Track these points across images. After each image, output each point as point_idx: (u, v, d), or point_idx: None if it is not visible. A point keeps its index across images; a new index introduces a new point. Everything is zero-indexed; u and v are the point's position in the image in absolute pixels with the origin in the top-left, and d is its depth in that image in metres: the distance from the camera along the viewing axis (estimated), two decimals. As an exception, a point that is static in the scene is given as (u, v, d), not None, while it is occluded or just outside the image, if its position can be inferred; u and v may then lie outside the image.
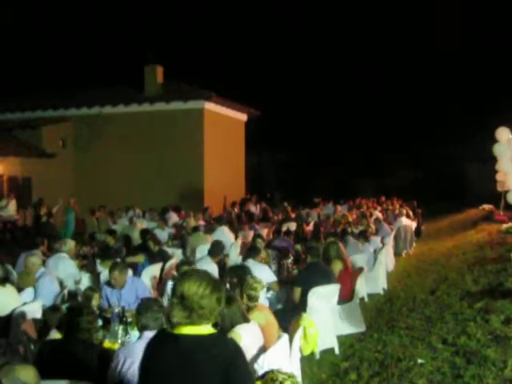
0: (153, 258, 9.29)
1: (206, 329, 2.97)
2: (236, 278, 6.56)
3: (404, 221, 16.07)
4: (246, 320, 4.95)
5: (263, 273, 6.85)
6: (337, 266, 8.09)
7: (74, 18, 50.96)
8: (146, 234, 11.19)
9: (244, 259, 8.12)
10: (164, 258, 9.43)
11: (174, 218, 16.38)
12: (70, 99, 24.43)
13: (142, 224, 15.35)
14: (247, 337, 4.77)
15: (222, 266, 8.25)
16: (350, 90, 42.50)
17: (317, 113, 41.98)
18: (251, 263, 7.62)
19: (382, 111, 40.64)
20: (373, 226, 14.68)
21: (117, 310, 5.57)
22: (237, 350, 3.04)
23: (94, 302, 5.63)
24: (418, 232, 18.37)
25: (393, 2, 49.85)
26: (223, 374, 2.86)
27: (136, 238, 12.13)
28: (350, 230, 12.62)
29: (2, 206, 14.75)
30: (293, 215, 18.46)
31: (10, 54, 42.97)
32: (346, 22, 49.48)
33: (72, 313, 4.60)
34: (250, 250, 8.16)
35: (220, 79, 37.21)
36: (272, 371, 3.85)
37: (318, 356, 6.69)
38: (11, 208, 18.06)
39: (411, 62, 44.85)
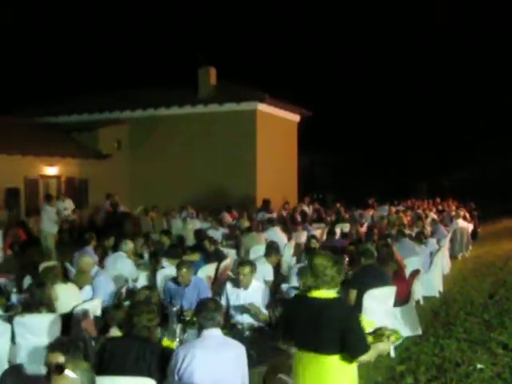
0: (208, 258, 9.38)
1: (330, 293, 3.92)
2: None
3: (460, 223, 15.75)
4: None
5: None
6: (391, 268, 8.00)
7: (129, 20, 51.91)
8: (200, 234, 11.32)
9: (302, 261, 8.11)
10: (219, 257, 9.52)
11: (227, 218, 16.49)
12: (126, 101, 24.89)
13: (195, 224, 15.54)
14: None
15: (276, 266, 8.25)
16: (404, 89, 41.93)
17: (370, 113, 41.59)
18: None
19: (437, 111, 39.92)
20: (428, 228, 14.44)
21: (175, 309, 5.65)
22: (353, 314, 4.02)
23: (154, 300, 5.71)
24: (474, 234, 17.98)
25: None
26: (340, 331, 3.77)
27: (190, 238, 12.28)
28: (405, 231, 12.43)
29: (63, 209, 15.14)
30: (346, 216, 18.34)
31: (67, 58, 44.16)
32: (402, 22, 48.85)
33: (132, 310, 4.68)
34: (307, 252, 8.14)
35: (273, 80, 37.28)
36: (380, 328, 4.24)
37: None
38: (69, 208, 18.53)
39: (465, 58, 43.90)
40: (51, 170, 20.97)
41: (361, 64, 48.43)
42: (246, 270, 6.37)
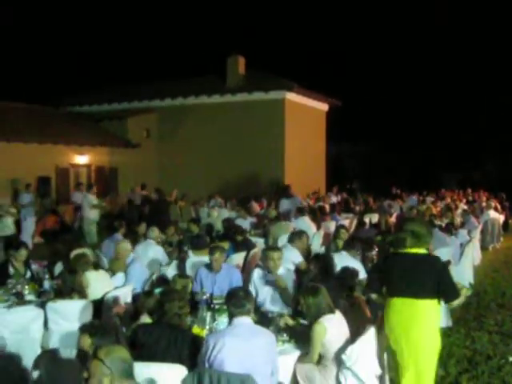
0: (237, 247, 9.39)
1: (422, 250, 4.86)
2: (318, 268, 6.55)
3: (492, 213, 15.52)
4: (332, 310, 4.93)
5: (353, 265, 6.77)
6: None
7: (159, 9, 52.10)
8: (228, 223, 11.33)
9: (335, 250, 8.07)
10: (248, 247, 9.52)
11: (255, 207, 16.50)
12: (155, 90, 25.02)
13: (224, 213, 15.58)
14: (332, 329, 4.75)
15: (307, 255, 8.22)
16: (434, 78, 41.35)
17: (399, 103, 41.13)
18: (343, 255, 7.58)
19: (466, 102, 39.26)
20: (458, 219, 14.25)
21: (205, 297, 5.67)
22: (446, 266, 5.14)
23: (185, 288, 5.75)
24: (505, 226, 17.70)
25: None
26: (436, 279, 4.69)
27: (218, 227, 12.32)
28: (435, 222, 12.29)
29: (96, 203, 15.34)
30: (374, 206, 18.20)
31: (97, 49, 44.53)
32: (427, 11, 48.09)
33: (164, 298, 4.72)
34: (345, 243, 8.09)
35: (301, 69, 37.06)
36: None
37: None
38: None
39: (495, 48, 43.09)
40: (81, 159, 21.23)
41: (390, 53, 47.86)
42: (275, 255, 6.36)
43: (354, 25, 53.91)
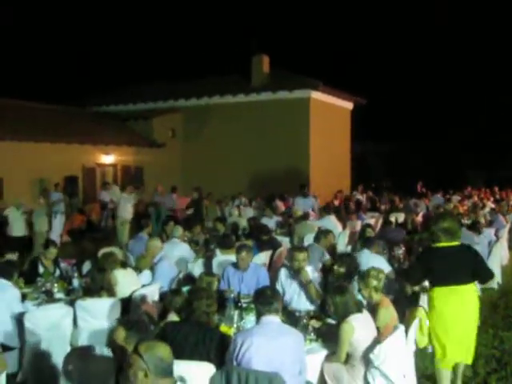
0: (262, 246, 9.40)
1: (455, 243, 5.44)
2: (343, 267, 6.53)
3: (520, 212, 15.28)
4: (360, 310, 4.92)
5: (379, 264, 6.73)
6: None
7: (183, 9, 52.25)
8: (254, 221, 11.35)
9: (359, 249, 8.03)
10: (274, 245, 9.53)
11: (280, 206, 16.48)
12: (180, 90, 25.14)
13: (249, 212, 15.58)
14: (360, 328, 4.74)
15: (332, 254, 8.21)
16: (459, 78, 40.91)
17: (425, 101, 40.77)
18: (367, 254, 7.54)
19: (492, 100, 38.72)
20: (484, 218, 14.06)
21: (232, 295, 5.70)
22: (475, 250, 5.65)
23: (213, 287, 5.78)
24: (534, 225, 17.39)
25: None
26: (473, 265, 5.41)
27: (243, 225, 12.34)
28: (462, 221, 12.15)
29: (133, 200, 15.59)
30: (400, 205, 18.05)
31: (122, 49, 44.90)
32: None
33: (192, 296, 4.75)
34: (365, 241, 8.05)
35: (326, 67, 36.93)
36: None
37: (431, 349, 6.51)
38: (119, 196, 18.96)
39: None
40: (107, 159, 21.42)
41: (415, 52, 47.43)
42: (301, 256, 6.35)
43: (379, 22, 53.55)
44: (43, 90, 34.34)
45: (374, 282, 5.37)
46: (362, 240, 8.73)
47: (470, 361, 5.50)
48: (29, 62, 39.72)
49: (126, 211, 14.93)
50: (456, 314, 5.27)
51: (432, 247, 5.57)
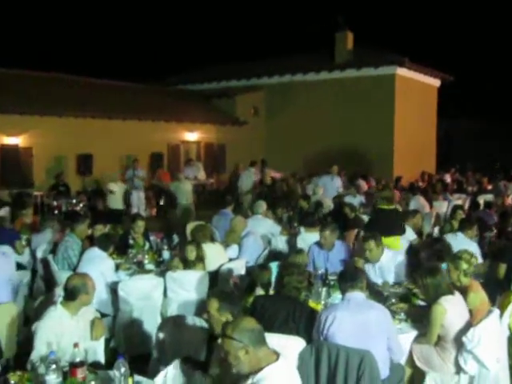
0: (348, 224, 9.31)
1: None
2: (433, 250, 6.38)
3: None
4: (452, 292, 4.79)
5: (470, 247, 6.52)
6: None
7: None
8: (339, 199, 11.27)
9: (450, 231, 7.83)
10: (359, 224, 9.41)
11: (363, 185, 16.28)
12: (262, 68, 25.11)
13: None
14: (452, 310, 4.63)
15: (419, 234, 8.06)
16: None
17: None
18: (461, 237, 7.32)
19: None
20: None
21: (320, 272, 5.69)
22: None
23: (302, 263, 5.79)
24: None
25: None
26: None
27: (326, 204, 12.25)
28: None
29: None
30: (488, 187, 17.44)
31: (205, 28, 45.34)
32: None
33: (284, 271, 4.78)
34: (461, 223, 7.80)
35: (412, 43, 35.81)
36: None
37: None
38: (202, 173, 19.39)
39: None
40: (191, 136, 21.76)
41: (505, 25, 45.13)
42: (371, 244, 6.22)
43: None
44: (127, 69, 35.19)
45: (465, 266, 5.18)
46: (450, 222, 8.51)
47: None
48: (118, 44, 40.81)
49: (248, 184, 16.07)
50: None
51: None
